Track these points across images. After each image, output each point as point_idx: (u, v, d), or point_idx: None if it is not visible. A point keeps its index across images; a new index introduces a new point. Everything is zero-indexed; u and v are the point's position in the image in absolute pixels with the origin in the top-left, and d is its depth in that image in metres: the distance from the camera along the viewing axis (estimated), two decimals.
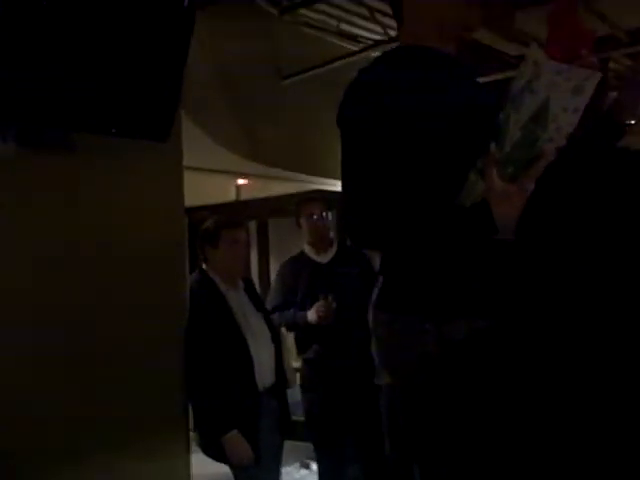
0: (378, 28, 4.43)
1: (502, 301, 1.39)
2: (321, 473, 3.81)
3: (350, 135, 1.66)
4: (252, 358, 3.06)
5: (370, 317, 1.79)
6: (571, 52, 1.63)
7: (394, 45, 1.86)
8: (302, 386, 3.87)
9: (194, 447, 3.09)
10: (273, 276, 6.95)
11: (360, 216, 1.61)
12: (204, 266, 3.27)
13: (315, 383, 3.72)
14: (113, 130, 2.51)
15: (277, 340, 3.31)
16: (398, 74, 1.66)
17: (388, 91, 1.62)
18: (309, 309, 3.62)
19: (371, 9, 4.23)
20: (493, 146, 1.48)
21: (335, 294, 3.54)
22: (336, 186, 5.03)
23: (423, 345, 1.61)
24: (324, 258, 3.80)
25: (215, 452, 3.05)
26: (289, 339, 5.01)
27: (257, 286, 6.30)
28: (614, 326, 0.83)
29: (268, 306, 3.72)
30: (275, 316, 3.68)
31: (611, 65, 5.15)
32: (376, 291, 1.82)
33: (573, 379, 0.83)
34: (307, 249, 3.87)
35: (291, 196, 5.76)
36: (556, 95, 1.44)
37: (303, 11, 4.38)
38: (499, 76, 4.73)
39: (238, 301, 3.20)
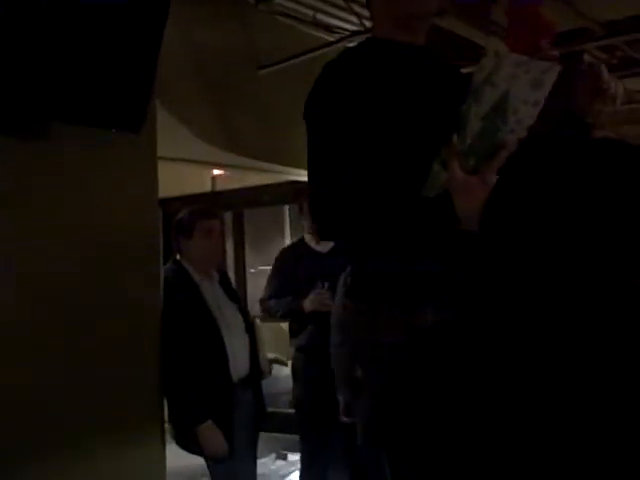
0: (354, 19, 4.41)
1: (468, 290, 1.42)
2: (305, 462, 3.80)
3: (315, 129, 1.68)
4: (226, 349, 3.06)
5: (337, 305, 1.80)
6: (531, 44, 1.63)
7: (368, 36, 1.87)
8: (293, 373, 3.89)
9: (168, 439, 3.08)
10: (248, 267, 6.94)
11: (325, 209, 1.63)
12: (178, 257, 3.25)
13: (307, 371, 3.72)
14: (85, 120, 2.47)
15: (251, 331, 3.30)
16: (362, 68, 1.68)
17: (351, 85, 1.64)
18: (306, 297, 3.63)
19: None
20: (455, 137, 1.48)
21: (332, 283, 3.55)
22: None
23: (392, 333, 1.62)
24: (324, 247, 3.81)
25: (189, 444, 3.04)
26: (264, 330, 5.01)
27: (233, 276, 6.31)
28: (578, 315, 0.84)
29: (265, 292, 3.76)
30: (271, 302, 3.73)
31: (586, 58, 5.18)
32: (343, 280, 1.84)
33: (538, 368, 0.83)
34: (307, 238, 3.90)
35: (266, 187, 5.76)
36: (516, 88, 1.45)
37: (279, 0, 4.36)
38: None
39: (212, 292, 3.19)
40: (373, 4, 1.83)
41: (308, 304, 3.61)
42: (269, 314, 3.93)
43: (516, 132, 1.44)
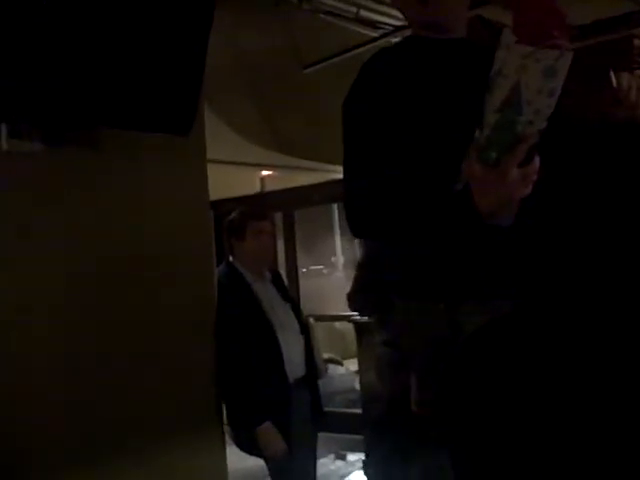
0: (397, 13, 4.37)
1: (516, 285, 1.40)
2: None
3: (350, 129, 1.68)
4: (281, 350, 3.05)
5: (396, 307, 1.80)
6: (541, 34, 1.59)
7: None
8: (378, 369, 3.86)
9: (228, 441, 3.09)
10: (300, 267, 6.92)
11: (358, 207, 1.61)
12: (231, 258, 3.26)
13: (396, 364, 3.68)
14: (133, 124, 2.49)
15: (306, 331, 3.29)
16: (396, 67, 1.67)
17: (386, 84, 1.63)
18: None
19: None
20: (477, 132, 1.46)
21: None
22: None
23: (436, 328, 1.63)
24: None
25: (249, 446, 3.05)
26: (318, 330, 5.00)
27: (284, 277, 6.33)
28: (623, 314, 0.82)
29: (351, 288, 3.76)
30: (355, 298, 3.73)
31: (636, 42, 5.06)
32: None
33: (583, 368, 0.82)
34: None
35: (316, 186, 5.75)
36: (526, 78, 1.42)
37: None
38: None
39: (266, 293, 3.19)
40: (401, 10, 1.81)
41: None
42: (356, 309, 3.93)
43: (535, 124, 1.41)
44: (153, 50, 2.44)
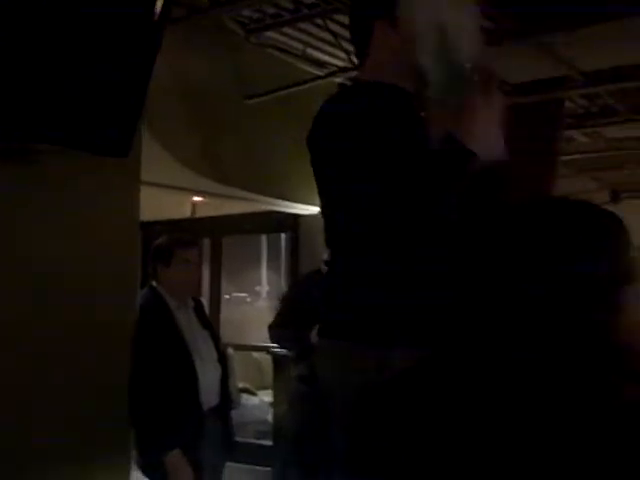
0: (342, 54, 4.47)
1: (442, 331, 1.44)
2: None
3: (329, 161, 1.75)
4: (198, 378, 3.04)
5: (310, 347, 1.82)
6: None
7: (356, 72, 1.91)
8: (290, 403, 3.86)
9: (134, 467, 3.04)
10: (223, 293, 6.90)
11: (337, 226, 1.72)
12: (154, 283, 3.24)
13: (307, 400, 3.68)
14: (72, 143, 2.47)
15: (223, 360, 3.29)
16: (365, 108, 1.72)
17: (359, 123, 1.69)
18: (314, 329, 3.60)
19: (336, 35, 4.27)
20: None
21: None
22: (291, 208, 5.05)
23: (364, 372, 1.62)
24: None
25: (155, 473, 3.00)
26: (236, 359, 4.99)
27: (208, 304, 6.29)
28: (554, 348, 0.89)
29: (273, 321, 3.78)
30: (275, 332, 3.74)
31: (567, 104, 5.31)
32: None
33: (504, 410, 0.86)
34: (324, 268, 3.88)
35: (246, 215, 5.77)
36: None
37: (270, 33, 4.41)
38: None
39: (186, 320, 3.18)
40: (383, 48, 1.84)
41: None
42: (275, 342, 3.95)
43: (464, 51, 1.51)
44: (97, 71, 2.44)
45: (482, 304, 0.96)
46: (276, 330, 3.86)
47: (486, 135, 1.54)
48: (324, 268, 3.81)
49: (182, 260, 3.19)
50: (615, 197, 8.47)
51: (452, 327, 1.03)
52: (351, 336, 1.69)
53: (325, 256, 3.77)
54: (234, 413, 3.44)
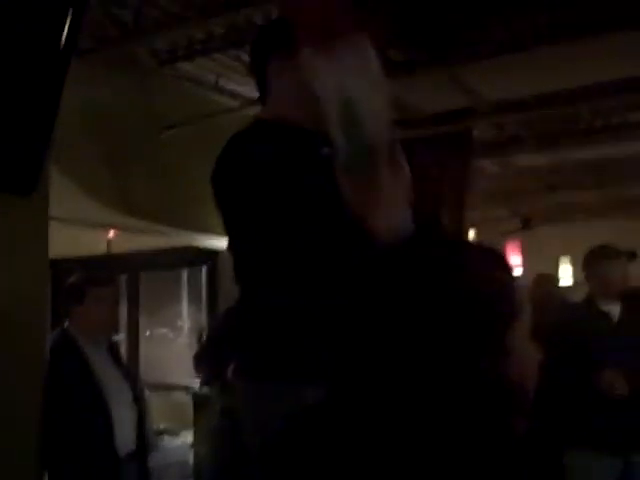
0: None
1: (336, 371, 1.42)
2: None
3: (232, 202, 1.74)
4: (112, 423, 2.94)
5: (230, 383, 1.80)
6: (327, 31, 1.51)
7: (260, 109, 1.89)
8: (212, 439, 3.78)
9: None
10: (144, 329, 6.75)
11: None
12: (66, 324, 3.12)
13: (228, 436, 3.60)
14: None
15: (140, 402, 3.19)
16: (269, 152, 1.72)
17: (262, 167, 1.68)
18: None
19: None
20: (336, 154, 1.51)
21: None
22: (208, 242, 4.99)
23: (276, 411, 1.59)
24: None
25: None
26: (155, 399, 4.87)
27: (125, 341, 6.15)
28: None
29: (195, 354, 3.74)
30: (198, 365, 3.71)
31: (475, 133, 5.47)
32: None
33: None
34: None
35: (164, 250, 5.67)
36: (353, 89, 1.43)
37: (182, 64, 4.39)
38: None
39: (100, 362, 3.08)
40: (277, 87, 1.84)
41: None
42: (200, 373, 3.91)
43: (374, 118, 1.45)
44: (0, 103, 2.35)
45: (373, 349, 0.98)
46: (200, 362, 3.84)
47: (391, 215, 1.53)
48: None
49: (95, 299, 3.10)
50: (526, 224, 8.76)
51: (350, 366, 1.04)
52: (264, 375, 1.68)
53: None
54: (154, 456, 3.35)
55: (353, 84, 1.45)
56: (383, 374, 0.95)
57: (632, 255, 3.71)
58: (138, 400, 3.18)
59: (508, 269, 1.00)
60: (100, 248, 6.17)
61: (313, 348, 1.64)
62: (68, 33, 2.46)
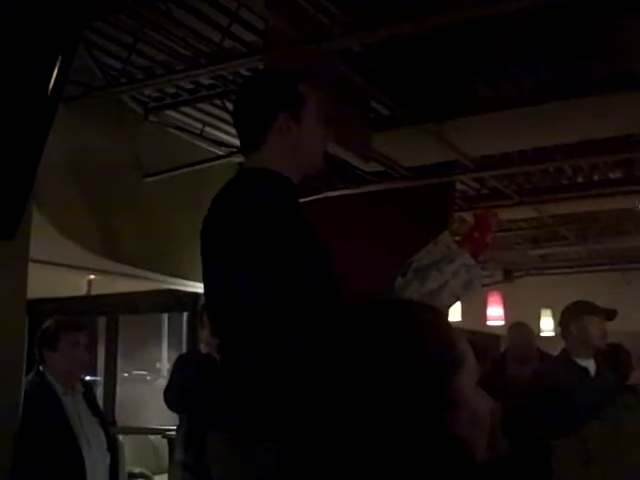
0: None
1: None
2: None
3: (222, 253, 1.75)
4: (85, 469, 2.91)
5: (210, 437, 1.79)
6: (480, 243, 1.97)
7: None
8: None
9: None
10: (122, 371, 6.67)
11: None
12: (41, 368, 3.10)
13: None
14: None
15: (113, 448, 3.16)
16: (261, 203, 1.75)
17: (253, 219, 1.70)
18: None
19: None
20: None
21: None
22: (188, 287, 4.97)
23: (261, 466, 1.58)
24: None
25: None
26: (128, 442, 4.81)
27: (102, 383, 6.08)
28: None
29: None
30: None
31: (458, 186, 5.55)
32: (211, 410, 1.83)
33: None
34: (203, 349, 3.77)
35: (144, 293, 5.65)
36: (454, 282, 1.76)
37: (169, 112, 4.43)
38: (354, 190, 4.97)
39: (75, 407, 3.06)
40: (276, 139, 1.87)
41: None
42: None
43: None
44: None
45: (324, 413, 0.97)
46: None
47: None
48: (203, 348, 3.71)
49: (69, 344, 3.08)
50: (508, 276, 8.80)
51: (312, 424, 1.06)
52: (245, 430, 1.67)
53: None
54: None
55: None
56: (329, 438, 0.96)
57: (611, 313, 3.66)
58: (112, 446, 3.15)
59: (446, 322, 1.01)
60: (81, 289, 6.16)
61: (280, 407, 1.64)
62: (55, 80, 2.49)
